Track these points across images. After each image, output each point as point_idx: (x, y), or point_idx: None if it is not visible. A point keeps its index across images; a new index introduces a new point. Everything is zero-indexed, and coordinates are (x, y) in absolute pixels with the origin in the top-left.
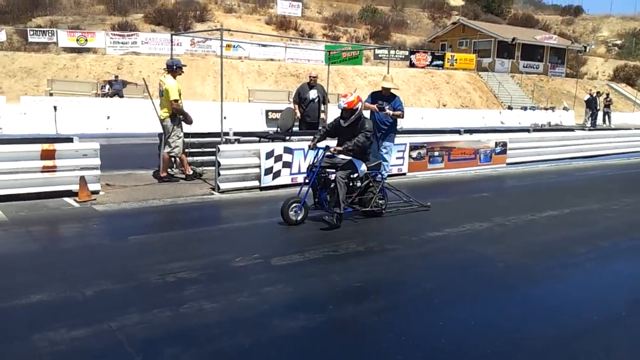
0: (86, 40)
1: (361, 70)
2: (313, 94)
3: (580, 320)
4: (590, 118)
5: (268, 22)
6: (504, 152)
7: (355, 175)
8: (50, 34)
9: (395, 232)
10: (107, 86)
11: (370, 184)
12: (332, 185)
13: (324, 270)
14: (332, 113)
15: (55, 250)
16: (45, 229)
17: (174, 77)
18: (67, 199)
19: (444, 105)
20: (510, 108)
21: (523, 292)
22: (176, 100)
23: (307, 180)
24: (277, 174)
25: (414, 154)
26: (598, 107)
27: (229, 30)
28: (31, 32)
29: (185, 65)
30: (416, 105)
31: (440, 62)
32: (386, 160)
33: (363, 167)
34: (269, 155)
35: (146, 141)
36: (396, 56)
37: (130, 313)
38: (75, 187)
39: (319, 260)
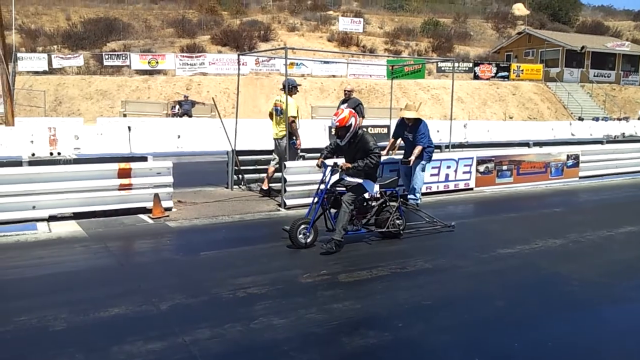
0: (157, 62)
1: (424, 84)
2: (344, 107)
3: None
4: None
5: (330, 39)
6: (576, 165)
7: (368, 195)
8: (123, 58)
9: (464, 248)
10: (177, 106)
11: (386, 204)
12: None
13: (391, 287)
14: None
15: (131, 264)
16: (122, 245)
17: (291, 96)
18: (141, 216)
19: (511, 118)
20: (581, 119)
21: (600, 313)
22: (294, 117)
23: (315, 200)
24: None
25: (482, 168)
26: None
27: (293, 48)
28: (106, 57)
29: (300, 85)
30: (481, 118)
31: (505, 74)
32: (415, 189)
33: (375, 188)
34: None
35: (214, 159)
36: (460, 68)
37: (203, 327)
38: (149, 204)
39: (387, 277)
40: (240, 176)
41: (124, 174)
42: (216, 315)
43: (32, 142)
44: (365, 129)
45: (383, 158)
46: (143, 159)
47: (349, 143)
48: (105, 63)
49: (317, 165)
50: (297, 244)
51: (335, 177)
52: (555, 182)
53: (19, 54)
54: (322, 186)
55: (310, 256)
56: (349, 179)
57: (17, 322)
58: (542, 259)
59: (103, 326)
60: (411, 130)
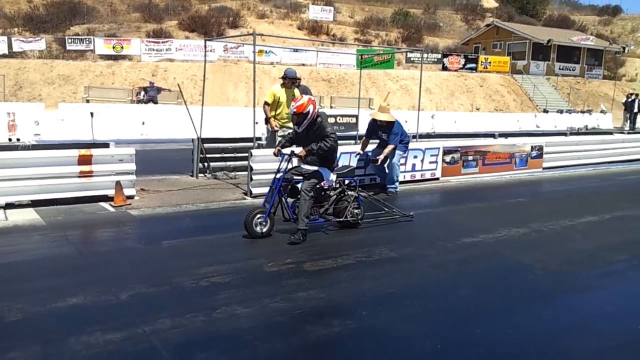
0: (122, 47)
1: (393, 75)
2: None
3: (622, 331)
4: (628, 121)
5: (300, 27)
6: (540, 156)
7: (325, 184)
8: (87, 42)
9: (429, 237)
10: (142, 93)
11: (344, 193)
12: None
13: (356, 276)
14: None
15: (90, 253)
16: (82, 233)
17: (295, 87)
18: (103, 204)
19: (478, 109)
20: (545, 111)
21: (562, 301)
22: None
23: (272, 189)
24: None
25: (448, 158)
26: (637, 110)
27: (262, 35)
28: (69, 40)
29: (300, 79)
30: (449, 109)
31: (473, 65)
32: (393, 179)
33: (332, 177)
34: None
35: (180, 147)
36: (428, 60)
37: (164, 317)
38: (111, 192)
39: (352, 266)
40: (205, 164)
41: (85, 160)
42: (178, 305)
43: None
44: (322, 116)
45: (351, 150)
46: (105, 145)
47: (307, 130)
48: (68, 47)
49: (274, 153)
50: (252, 234)
51: (292, 165)
52: (519, 173)
53: None
54: (279, 175)
55: (275, 245)
56: (305, 166)
57: None
58: (505, 248)
59: (60, 316)
60: (385, 130)
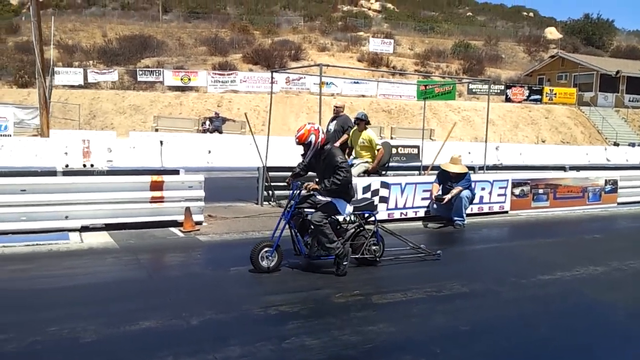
0: (189, 79)
1: (454, 106)
2: (332, 125)
3: None
4: None
5: (360, 59)
6: (614, 190)
7: (340, 217)
8: (157, 74)
9: (501, 273)
10: (208, 122)
11: (362, 227)
12: (312, 228)
13: (427, 310)
14: None
15: (161, 278)
16: (153, 257)
17: (366, 129)
18: (172, 229)
19: (543, 141)
20: (616, 144)
21: None
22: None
23: (281, 221)
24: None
25: (517, 191)
26: None
27: (327, 65)
28: (140, 72)
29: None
30: (513, 141)
31: (538, 97)
32: (460, 211)
33: (348, 209)
34: (366, 189)
35: (244, 175)
36: (491, 91)
37: (234, 345)
38: (180, 218)
39: (422, 300)
40: (270, 192)
41: (157, 186)
42: (247, 332)
43: (66, 153)
44: (386, 147)
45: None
46: (175, 172)
47: (316, 159)
48: (139, 79)
49: (287, 182)
50: (258, 269)
51: (304, 194)
52: (593, 208)
53: (56, 68)
54: (290, 205)
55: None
56: (319, 197)
57: (48, 332)
58: (585, 287)
59: (133, 339)
60: (456, 180)
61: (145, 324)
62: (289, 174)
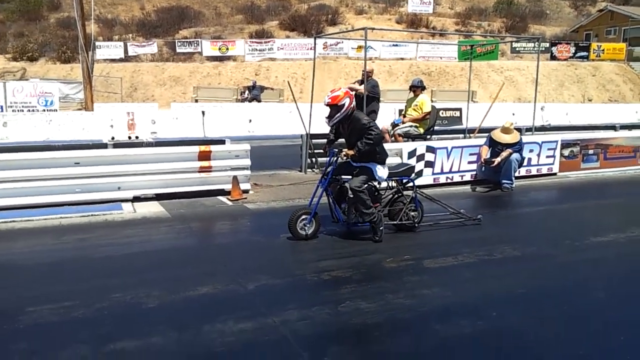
0: (227, 48)
1: (497, 66)
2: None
3: None
4: None
5: (399, 21)
6: None
7: (375, 182)
8: (195, 45)
9: (553, 236)
10: (246, 92)
11: (400, 193)
12: (349, 195)
13: (480, 274)
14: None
15: (214, 245)
16: (204, 225)
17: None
18: (220, 198)
19: (590, 100)
20: None
21: None
22: (428, 113)
23: (318, 188)
24: (419, 174)
25: (566, 152)
26: None
27: (373, 28)
28: (178, 44)
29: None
30: (558, 101)
31: (584, 54)
32: (510, 174)
33: (382, 172)
34: (411, 154)
35: (285, 143)
36: (535, 49)
37: (291, 309)
38: (227, 187)
39: (474, 265)
40: (313, 159)
41: (204, 156)
42: (303, 297)
43: (111, 126)
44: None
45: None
46: (221, 142)
47: (342, 125)
48: (178, 50)
49: (323, 149)
50: (296, 236)
51: (340, 161)
52: None
53: (97, 43)
54: (328, 172)
55: (391, 240)
56: (353, 163)
57: (112, 298)
58: None
59: (193, 304)
60: (507, 147)
61: (204, 289)
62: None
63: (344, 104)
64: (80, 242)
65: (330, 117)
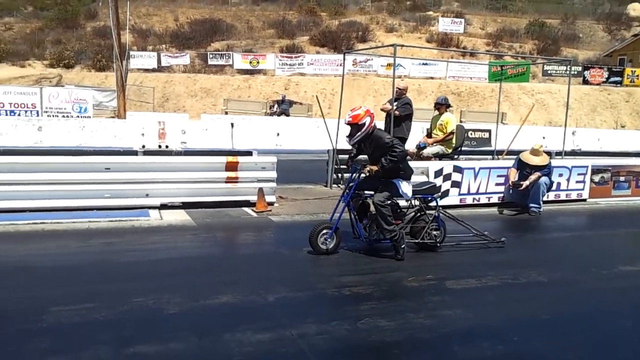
0: (258, 62)
1: (528, 88)
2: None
3: None
4: None
5: (429, 40)
6: None
7: (399, 199)
8: (226, 57)
9: (580, 262)
10: (275, 106)
11: (422, 212)
12: (371, 211)
13: (504, 298)
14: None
15: (237, 255)
16: (229, 235)
17: (447, 111)
18: (245, 209)
19: (623, 127)
20: None
21: None
22: (452, 132)
23: (340, 203)
24: (445, 194)
25: (597, 178)
26: None
27: (402, 45)
28: (210, 56)
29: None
30: (590, 126)
31: (618, 79)
32: (537, 198)
33: (406, 188)
34: (438, 173)
35: (312, 157)
36: (567, 72)
37: (310, 322)
38: (253, 198)
39: (498, 288)
40: (339, 175)
41: (232, 167)
42: (322, 311)
43: (142, 134)
44: (460, 130)
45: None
46: (248, 153)
47: (364, 144)
48: (210, 62)
49: (346, 165)
50: (317, 250)
51: (363, 176)
52: None
53: (131, 52)
54: (350, 187)
55: (414, 259)
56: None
57: (135, 302)
58: None
59: (214, 313)
60: (536, 170)
61: (224, 298)
62: None
63: (364, 123)
64: (106, 247)
65: (350, 136)
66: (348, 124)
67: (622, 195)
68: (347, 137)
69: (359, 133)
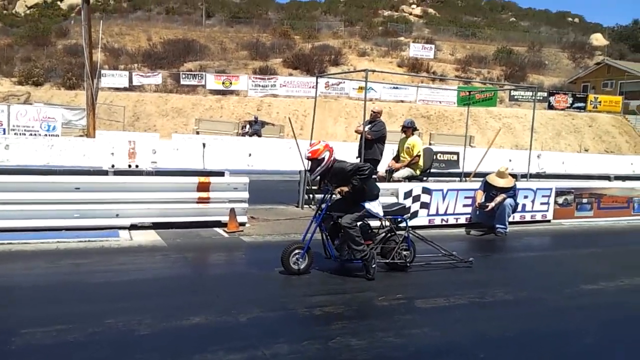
0: (231, 83)
1: (495, 112)
2: (367, 129)
3: None
4: None
5: (400, 64)
6: None
7: (372, 219)
8: (199, 77)
9: (545, 282)
10: (247, 126)
11: (393, 232)
12: (342, 232)
13: (471, 317)
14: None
15: (209, 275)
16: (200, 256)
17: (413, 135)
18: (217, 229)
19: (586, 150)
20: None
21: None
22: (419, 155)
23: (312, 224)
24: (414, 215)
25: (560, 200)
26: None
27: (374, 70)
28: (183, 76)
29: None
30: (555, 149)
31: (581, 104)
32: (503, 219)
33: (376, 208)
34: (407, 195)
35: (284, 178)
36: (533, 97)
37: (282, 342)
38: (224, 219)
39: (465, 307)
40: (310, 195)
41: (203, 187)
42: (294, 330)
43: (112, 154)
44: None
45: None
46: (220, 174)
47: (325, 177)
48: (182, 82)
49: (319, 187)
50: (289, 270)
51: (334, 198)
52: (638, 219)
53: (102, 71)
54: (322, 207)
55: (384, 279)
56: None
57: (105, 324)
58: (631, 298)
59: (185, 333)
60: (501, 191)
61: (196, 319)
62: None
63: (323, 158)
64: (76, 267)
65: (311, 171)
66: (307, 159)
67: (585, 217)
68: (308, 171)
69: (319, 167)
